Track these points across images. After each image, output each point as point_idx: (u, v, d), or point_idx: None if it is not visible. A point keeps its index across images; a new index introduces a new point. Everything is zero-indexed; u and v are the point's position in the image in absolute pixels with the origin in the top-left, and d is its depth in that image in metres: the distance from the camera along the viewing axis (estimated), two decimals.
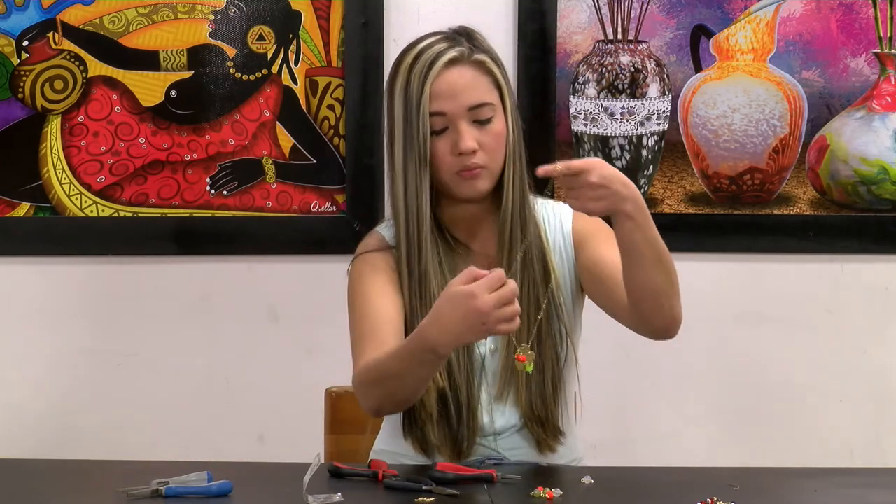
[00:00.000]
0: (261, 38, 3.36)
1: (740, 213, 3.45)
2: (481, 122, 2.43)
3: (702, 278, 3.43)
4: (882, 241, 3.47)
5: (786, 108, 3.44)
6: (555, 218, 2.54)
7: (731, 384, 3.48)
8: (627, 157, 3.42)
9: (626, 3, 3.39)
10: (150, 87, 3.35)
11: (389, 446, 2.51)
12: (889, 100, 3.44)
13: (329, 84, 3.38)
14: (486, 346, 2.47)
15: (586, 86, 3.40)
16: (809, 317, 3.48)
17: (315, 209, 3.39)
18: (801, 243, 3.46)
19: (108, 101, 3.35)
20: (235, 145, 3.37)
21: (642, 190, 3.42)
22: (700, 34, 3.41)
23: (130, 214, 3.37)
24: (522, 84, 3.36)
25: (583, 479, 2.26)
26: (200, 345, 3.40)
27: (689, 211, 3.43)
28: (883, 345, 3.49)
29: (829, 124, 3.44)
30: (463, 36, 2.47)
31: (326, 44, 3.37)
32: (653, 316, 2.36)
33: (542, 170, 2.25)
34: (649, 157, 3.42)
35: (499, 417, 2.46)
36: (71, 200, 3.36)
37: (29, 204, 3.36)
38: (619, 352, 3.44)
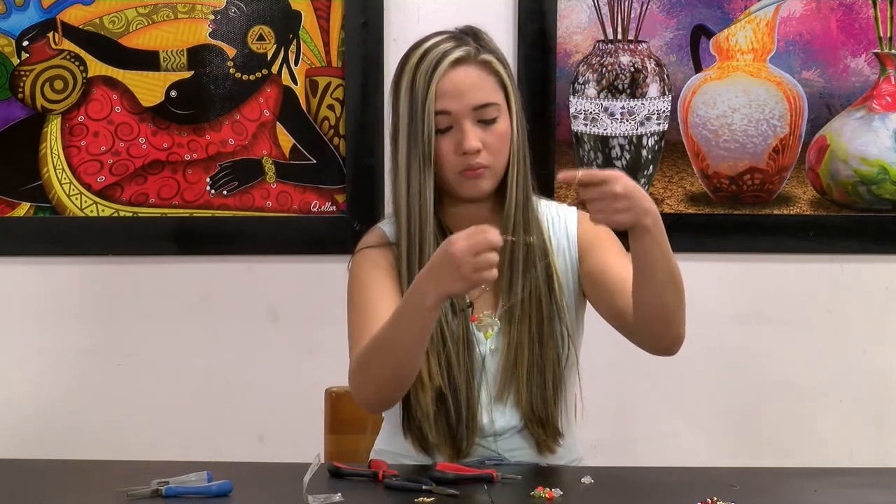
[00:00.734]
0: (261, 38, 3.36)
1: (740, 213, 3.45)
2: (486, 122, 2.43)
3: (702, 278, 3.43)
4: (882, 241, 3.47)
5: (786, 108, 3.44)
6: (559, 220, 2.54)
7: (731, 384, 3.48)
8: (627, 157, 3.42)
9: (626, 3, 3.39)
10: (150, 87, 3.35)
11: (389, 446, 2.51)
12: (889, 100, 3.44)
13: (329, 84, 3.38)
14: (486, 346, 2.47)
15: (586, 86, 3.40)
16: (809, 317, 3.48)
17: (315, 209, 3.39)
18: (801, 243, 3.46)
19: (108, 101, 3.35)
20: (235, 145, 3.37)
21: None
22: (700, 34, 3.41)
23: (130, 214, 3.37)
24: (522, 84, 3.36)
25: (583, 479, 2.26)
26: (200, 345, 3.40)
27: (689, 211, 3.43)
28: (883, 345, 3.49)
29: (829, 124, 3.44)
30: (469, 35, 2.47)
31: (326, 44, 3.37)
32: (659, 333, 2.38)
33: (563, 176, 2.25)
34: (649, 157, 3.42)
35: (499, 418, 2.46)
36: (71, 200, 3.36)
37: (29, 204, 3.36)
38: (619, 352, 3.42)
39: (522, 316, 2.43)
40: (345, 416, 2.78)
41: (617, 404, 3.45)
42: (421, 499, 2.14)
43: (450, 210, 2.50)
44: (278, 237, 3.39)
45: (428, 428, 2.42)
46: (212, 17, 3.35)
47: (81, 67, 3.34)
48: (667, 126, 3.42)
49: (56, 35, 3.33)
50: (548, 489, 2.16)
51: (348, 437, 2.74)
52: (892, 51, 3.44)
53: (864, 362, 3.49)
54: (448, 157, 2.42)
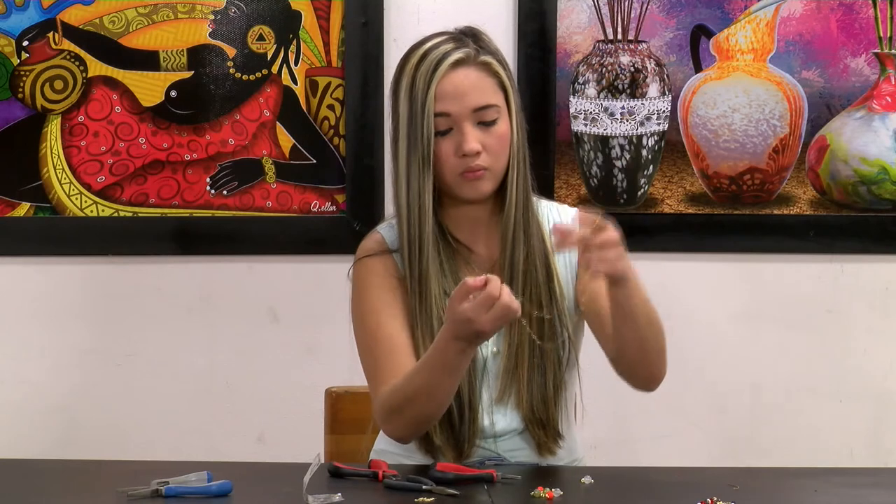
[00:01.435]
0: (261, 38, 3.36)
1: (740, 213, 3.45)
2: (486, 124, 2.43)
3: (702, 278, 3.43)
4: (882, 241, 3.47)
5: (786, 108, 3.44)
6: (560, 220, 2.54)
7: (731, 384, 3.48)
8: (627, 157, 3.42)
9: (626, 3, 3.39)
10: (150, 87, 3.35)
11: (389, 446, 2.51)
12: (889, 100, 3.44)
13: (329, 84, 3.38)
14: (488, 349, 2.47)
15: (586, 86, 3.40)
16: (809, 317, 3.48)
17: (315, 209, 3.39)
18: (801, 243, 3.46)
19: (108, 101, 3.35)
20: (235, 145, 3.37)
21: (642, 190, 3.42)
22: (700, 34, 3.41)
23: (130, 214, 3.37)
24: (522, 84, 3.36)
25: (583, 479, 2.26)
26: (200, 345, 3.40)
27: (689, 211, 3.43)
28: (883, 345, 3.49)
29: (829, 124, 3.44)
30: (469, 37, 2.46)
31: (326, 44, 3.37)
32: (640, 373, 2.43)
33: (560, 234, 2.28)
34: (649, 157, 3.42)
35: (499, 419, 2.46)
36: (71, 200, 3.36)
37: (29, 204, 3.36)
38: None
39: (522, 316, 2.42)
40: (345, 416, 2.78)
41: (617, 404, 3.45)
42: (421, 499, 2.14)
43: (449, 212, 2.50)
44: (278, 237, 3.39)
45: (432, 430, 2.42)
46: (212, 17, 3.35)
47: (81, 67, 3.34)
48: (667, 126, 3.42)
49: (56, 35, 3.33)
50: (548, 489, 2.16)
51: (348, 437, 2.74)
52: (892, 51, 3.44)
53: (864, 362, 3.49)
54: (448, 159, 2.42)
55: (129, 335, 3.40)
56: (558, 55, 3.39)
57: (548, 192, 3.31)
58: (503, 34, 3.36)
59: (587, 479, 2.26)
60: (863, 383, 3.49)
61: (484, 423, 2.45)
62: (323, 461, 2.31)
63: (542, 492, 2.16)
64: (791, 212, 3.45)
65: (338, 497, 2.10)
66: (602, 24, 3.39)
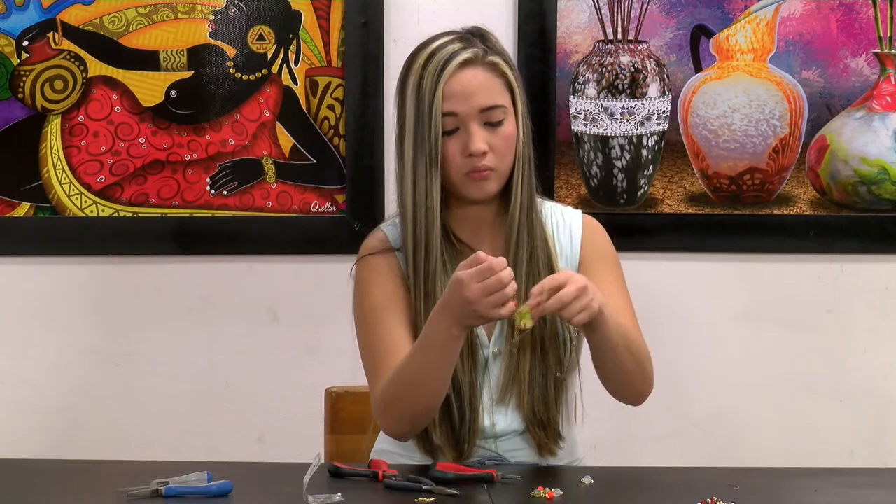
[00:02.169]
0: (261, 38, 3.36)
1: (740, 213, 3.45)
2: (492, 125, 2.43)
3: (702, 278, 3.43)
4: (882, 241, 3.47)
5: (786, 108, 3.44)
6: (564, 223, 2.54)
7: (731, 384, 3.48)
8: (627, 157, 3.42)
9: (626, 3, 3.39)
10: (150, 87, 3.35)
11: (389, 446, 2.51)
12: (889, 100, 3.44)
13: (329, 84, 3.38)
14: (489, 350, 2.47)
15: (586, 86, 3.40)
16: (809, 317, 3.48)
17: (315, 209, 3.39)
18: (801, 243, 3.46)
19: (108, 101, 3.35)
20: (235, 145, 3.37)
21: (642, 190, 3.42)
22: (700, 34, 3.41)
23: (130, 214, 3.37)
24: (522, 84, 3.36)
25: (583, 479, 2.26)
26: (200, 345, 3.40)
27: (689, 211, 3.43)
28: (883, 345, 3.49)
29: (829, 124, 3.44)
30: (477, 37, 2.46)
31: (326, 44, 3.37)
32: (624, 392, 2.47)
33: (535, 300, 2.27)
34: (649, 157, 3.42)
35: (500, 420, 2.46)
36: (71, 200, 3.36)
37: (29, 204, 3.36)
38: None
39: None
40: (345, 416, 2.78)
41: (617, 404, 3.43)
42: (421, 499, 2.14)
43: (455, 212, 2.49)
44: (278, 237, 3.39)
45: (432, 430, 2.42)
46: (212, 17, 3.35)
47: (81, 67, 3.34)
48: (667, 126, 3.42)
49: (56, 35, 3.33)
50: (548, 489, 2.16)
51: (348, 437, 2.74)
52: (892, 51, 3.44)
53: (864, 362, 3.49)
54: (454, 159, 2.42)
55: (129, 335, 3.40)
56: (558, 55, 3.39)
57: (548, 193, 3.31)
58: (503, 34, 3.36)
59: (587, 479, 2.26)
60: (863, 383, 3.49)
61: (484, 424, 2.45)
62: (323, 461, 2.31)
63: (542, 492, 2.16)
64: (791, 212, 3.45)
65: (338, 497, 2.10)
66: (602, 24, 3.39)
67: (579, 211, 2.58)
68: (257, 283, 3.40)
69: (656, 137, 3.42)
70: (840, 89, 3.43)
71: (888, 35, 3.43)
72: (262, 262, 3.40)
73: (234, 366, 3.41)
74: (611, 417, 3.42)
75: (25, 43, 3.33)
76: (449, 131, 2.41)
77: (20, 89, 3.34)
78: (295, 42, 3.37)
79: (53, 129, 3.35)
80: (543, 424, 2.45)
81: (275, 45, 3.37)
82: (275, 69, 3.37)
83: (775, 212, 3.45)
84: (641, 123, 3.41)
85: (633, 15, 3.39)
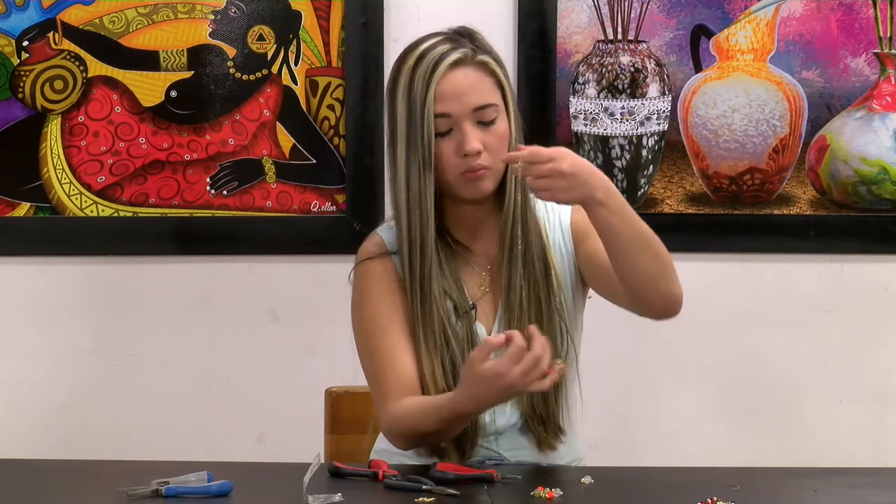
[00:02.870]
0: (261, 38, 3.36)
1: (740, 213, 3.45)
2: (485, 124, 2.43)
3: (702, 278, 3.42)
4: (882, 241, 3.47)
5: (786, 108, 3.44)
6: (553, 214, 2.54)
7: (731, 384, 3.48)
8: (627, 157, 3.42)
9: (626, 3, 3.39)
10: (150, 87, 3.35)
11: (390, 446, 2.51)
12: (889, 100, 3.44)
13: (329, 84, 3.38)
14: None
15: (586, 86, 3.40)
16: (809, 317, 3.48)
17: (315, 209, 3.39)
18: (801, 243, 3.46)
19: (108, 101, 3.35)
20: (235, 145, 3.37)
21: (642, 190, 3.42)
22: (700, 34, 3.41)
23: (130, 214, 3.37)
24: (522, 84, 3.36)
25: (583, 479, 2.26)
26: (200, 345, 3.40)
27: (689, 211, 3.43)
28: (883, 345, 3.49)
29: (829, 124, 3.44)
30: (465, 37, 2.46)
31: (326, 44, 3.37)
32: (649, 299, 2.37)
33: (507, 157, 2.31)
34: (649, 157, 3.42)
35: (499, 416, 2.46)
36: (71, 200, 3.36)
37: (29, 204, 3.36)
38: (619, 351, 3.44)
39: (521, 314, 2.42)
40: (345, 416, 2.78)
41: (617, 404, 3.45)
42: (421, 499, 2.14)
43: (449, 212, 2.50)
44: (278, 237, 3.39)
45: None
46: (212, 17, 3.35)
47: (81, 67, 3.34)
48: (667, 126, 3.42)
49: (56, 35, 3.33)
50: (548, 489, 2.16)
51: (348, 437, 2.74)
52: (892, 51, 3.44)
53: (864, 362, 3.49)
54: (449, 160, 2.42)
55: (129, 335, 3.40)
56: (558, 55, 3.39)
57: None
58: (503, 34, 3.36)
59: (587, 479, 2.26)
60: (863, 383, 3.49)
61: (485, 420, 2.45)
62: (323, 461, 2.31)
63: (542, 492, 2.16)
64: (791, 212, 3.45)
65: (338, 497, 2.10)
66: (602, 24, 3.39)
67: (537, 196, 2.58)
68: (257, 283, 3.40)
69: (656, 137, 3.42)
70: (840, 89, 3.43)
71: (888, 35, 3.43)
72: (262, 262, 3.40)
73: (234, 366, 3.41)
74: (611, 417, 3.43)
75: (25, 43, 3.33)
76: (442, 133, 2.41)
77: (20, 89, 3.34)
78: (295, 42, 3.37)
79: (53, 129, 3.35)
80: (543, 419, 2.46)
81: (275, 45, 3.37)
82: (275, 69, 3.37)
83: (775, 212, 3.45)
84: (641, 123, 3.41)
85: (633, 15, 3.39)
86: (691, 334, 3.45)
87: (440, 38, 2.46)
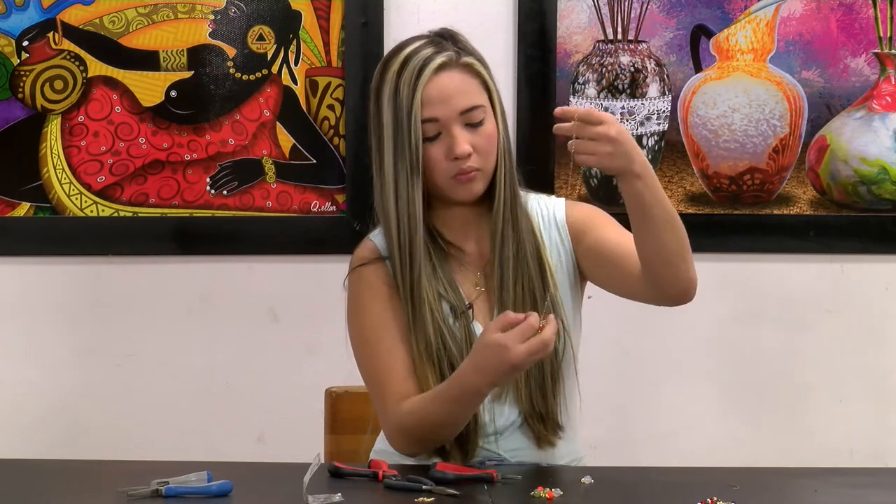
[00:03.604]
0: (261, 38, 3.36)
1: (740, 213, 3.45)
2: (473, 125, 2.42)
3: (701, 278, 3.40)
4: (882, 241, 3.47)
5: (786, 108, 3.44)
6: (547, 211, 2.54)
7: (731, 384, 3.48)
8: None
9: (626, 3, 3.39)
10: (150, 87, 3.35)
11: (390, 446, 2.51)
12: (889, 100, 3.44)
13: (329, 84, 3.38)
14: None
15: (586, 86, 3.40)
16: (809, 317, 3.48)
17: (315, 209, 3.39)
18: (801, 243, 3.46)
19: (108, 101, 3.35)
20: (235, 145, 3.38)
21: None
22: (700, 34, 3.41)
23: (130, 214, 3.37)
24: (522, 84, 3.36)
25: (583, 479, 2.26)
26: (200, 345, 3.40)
27: (689, 211, 3.43)
28: (883, 345, 3.49)
29: (829, 124, 3.44)
30: (447, 39, 2.45)
31: (326, 44, 3.37)
32: (669, 280, 2.36)
33: (560, 110, 2.25)
34: (649, 157, 3.42)
35: (499, 415, 2.46)
36: (71, 200, 3.36)
37: (29, 204, 3.36)
38: (618, 351, 3.44)
39: (517, 312, 2.42)
40: (345, 416, 2.78)
41: (617, 404, 3.45)
42: (421, 499, 2.14)
43: (439, 213, 2.49)
44: (278, 237, 3.39)
45: None
46: (212, 17, 3.35)
47: (81, 67, 3.34)
48: (667, 126, 3.42)
49: (56, 35, 3.33)
50: (548, 489, 2.16)
51: (348, 437, 2.74)
52: (892, 51, 3.44)
53: (864, 362, 3.49)
54: (439, 164, 2.41)
55: (129, 335, 3.40)
56: (558, 55, 3.39)
57: (548, 189, 3.30)
58: (503, 34, 3.36)
59: (587, 479, 2.26)
60: (863, 383, 3.49)
61: (485, 420, 2.45)
62: (323, 461, 2.31)
63: (542, 492, 2.16)
64: (791, 212, 3.45)
65: (338, 497, 2.10)
66: (602, 24, 3.39)
67: (562, 199, 2.57)
68: (257, 283, 3.40)
69: (656, 137, 3.42)
70: (840, 89, 3.43)
71: (888, 35, 3.43)
72: (262, 262, 3.40)
73: (234, 366, 3.41)
74: (611, 417, 3.43)
75: (25, 43, 3.33)
76: (430, 137, 2.41)
77: (20, 89, 3.34)
78: (295, 42, 3.37)
79: (53, 129, 3.35)
80: (542, 416, 2.46)
81: (275, 45, 3.37)
82: (275, 69, 3.37)
83: (775, 212, 3.45)
84: (641, 123, 3.41)
85: (633, 15, 3.39)
86: (691, 334, 3.45)
87: (423, 41, 2.45)
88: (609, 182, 3.42)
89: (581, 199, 3.39)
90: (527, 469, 2.38)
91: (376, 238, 2.52)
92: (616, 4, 3.39)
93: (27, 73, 3.34)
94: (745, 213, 3.45)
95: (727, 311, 3.46)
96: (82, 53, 3.34)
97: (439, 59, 2.41)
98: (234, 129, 3.37)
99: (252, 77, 3.36)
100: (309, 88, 3.38)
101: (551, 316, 2.24)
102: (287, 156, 3.38)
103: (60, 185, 3.36)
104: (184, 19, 3.35)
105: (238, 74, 3.36)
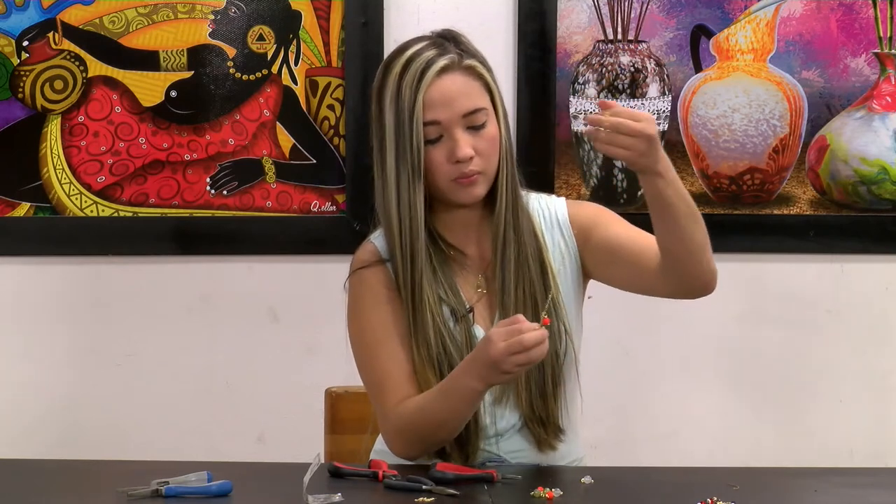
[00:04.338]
0: (261, 38, 3.36)
1: (740, 213, 3.45)
2: (475, 128, 2.42)
3: None
4: (882, 241, 3.47)
5: (786, 108, 3.44)
6: (549, 212, 2.53)
7: (731, 384, 3.48)
8: None
9: (626, 3, 3.39)
10: (150, 87, 3.35)
11: None
12: (889, 100, 3.44)
13: (329, 84, 3.38)
14: None
15: (586, 86, 3.40)
16: (809, 317, 3.48)
17: (315, 209, 3.39)
18: (801, 243, 3.46)
19: (108, 101, 3.35)
20: (235, 145, 3.38)
21: (642, 190, 3.41)
22: (700, 34, 3.41)
23: (130, 214, 3.37)
24: (522, 84, 3.36)
25: (583, 479, 2.26)
26: (200, 345, 3.40)
27: None
28: (883, 345, 3.49)
29: (829, 124, 3.44)
30: (450, 41, 2.44)
31: (326, 44, 3.37)
32: (693, 273, 2.36)
33: (602, 101, 2.27)
34: None
35: (500, 418, 2.46)
36: (71, 200, 3.36)
37: (29, 204, 3.36)
38: (618, 351, 3.44)
39: (518, 315, 2.41)
40: (345, 416, 2.78)
41: (617, 404, 3.45)
42: (421, 499, 2.14)
43: (441, 216, 2.49)
44: (278, 237, 3.39)
45: None
46: (212, 17, 3.35)
47: (81, 67, 3.34)
48: (667, 126, 3.42)
49: (56, 35, 3.33)
50: (548, 489, 2.16)
51: (348, 437, 2.74)
52: (892, 51, 3.44)
53: (864, 362, 3.49)
54: (441, 167, 2.41)
55: (129, 335, 3.40)
56: (558, 55, 3.39)
57: (548, 192, 3.30)
58: (503, 34, 3.36)
59: (587, 479, 2.26)
60: (863, 383, 3.49)
61: (485, 422, 2.45)
62: (323, 461, 2.31)
63: (542, 492, 2.16)
64: (791, 212, 3.45)
65: (338, 497, 2.10)
66: (602, 24, 3.39)
67: (563, 199, 2.57)
68: (257, 283, 3.40)
69: None
70: (840, 89, 3.43)
71: (888, 35, 3.43)
72: (262, 262, 3.40)
73: (234, 366, 3.41)
74: (611, 417, 3.43)
75: (25, 43, 3.33)
76: (432, 140, 2.40)
77: (20, 89, 3.34)
78: (295, 42, 3.37)
79: (53, 129, 3.35)
80: (542, 420, 2.45)
81: (275, 45, 3.37)
82: (275, 69, 3.37)
83: (775, 212, 3.45)
84: None
85: (633, 15, 3.39)
86: (691, 334, 3.45)
87: (425, 43, 2.44)
88: (609, 182, 3.42)
89: (581, 199, 3.39)
90: (527, 469, 2.38)
91: (377, 240, 2.51)
92: (616, 4, 3.39)
93: (27, 73, 3.34)
94: (745, 213, 3.44)
95: (727, 312, 3.46)
96: (82, 53, 3.34)
97: (441, 62, 2.40)
98: (234, 129, 3.37)
99: (252, 77, 3.36)
100: (309, 88, 3.38)
101: (543, 328, 2.24)
102: (287, 156, 3.38)
103: (60, 185, 3.36)
104: (184, 19, 3.35)
105: (238, 74, 3.36)
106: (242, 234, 3.39)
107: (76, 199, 3.36)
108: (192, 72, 3.36)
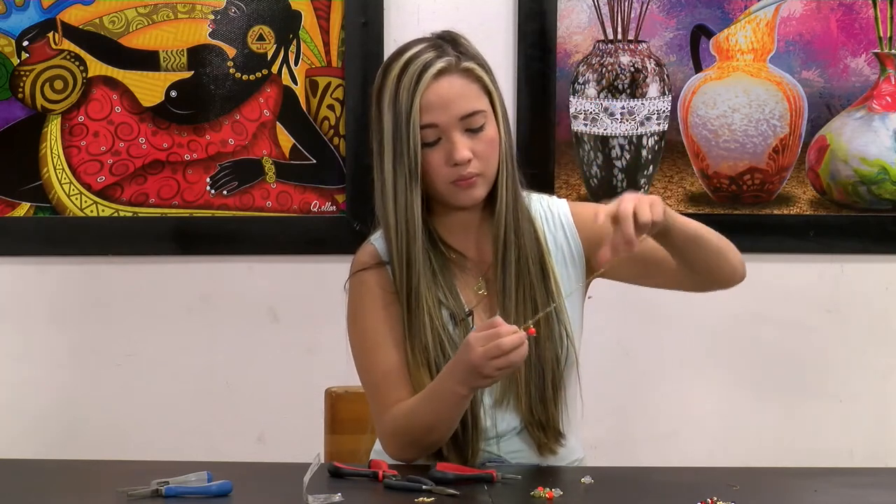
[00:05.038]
0: (261, 38, 3.36)
1: (740, 213, 3.45)
2: (473, 130, 2.41)
3: None
4: (882, 241, 3.47)
5: (786, 108, 3.44)
6: (551, 213, 2.53)
7: (731, 384, 3.48)
8: (627, 157, 3.42)
9: (626, 3, 3.39)
10: (150, 87, 3.35)
11: None
12: (889, 100, 3.44)
13: (329, 84, 3.38)
14: None
15: (586, 86, 3.40)
16: (809, 317, 3.48)
17: (315, 209, 3.39)
18: (801, 243, 3.46)
19: (108, 101, 3.35)
20: (235, 145, 3.38)
21: (642, 190, 3.42)
22: (700, 34, 3.41)
23: (130, 214, 3.37)
24: (522, 84, 3.36)
25: (583, 479, 2.26)
26: (200, 345, 3.40)
27: (689, 211, 3.43)
28: (883, 345, 3.49)
29: (829, 124, 3.44)
30: (448, 43, 2.43)
31: (326, 44, 3.37)
32: (718, 277, 2.47)
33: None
34: (649, 157, 3.42)
35: (500, 421, 2.46)
36: (71, 200, 3.36)
37: (29, 204, 3.36)
38: (618, 351, 3.44)
39: (518, 319, 2.41)
40: (345, 416, 2.78)
41: (617, 404, 3.45)
42: (421, 499, 2.14)
43: (441, 219, 2.48)
44: (278, 237, 3.39)
45: None
46: (212, 17, 3.35)
47: (81, 67, 3.34)
48: (667, 126, 3.42)
49: (56, 35, 3.33)
50: (548, 489, 2.16)
51: (348, 437, 2.74)
52: (892, 51, 3.44)
53: (864, 362, 3.49)
54: (439, 169, 2.40)
55: (129, 335, 3.40)
56: (558, 55, 3.39)
57: (548, 192, 3.30)
58: (503, 34, 3.36)
59: (587, 479, 2.26)
60: (863, 383, 3.49)
61: (486, 424, 2.45)
62: (323, 461, 2.31)
63: (542, 492, 2.16)
64: (791, 212, 3.45)
65: (338, 497, 2.10)
66: (602, 24, 3.39)
67: (564, 200, 2.56)
68: (257, 283, 3.40)
69: (656, 137, 3.42)
70: (840, 89, 3.43)
71: (888, 35, 3.43)
72: (262, 262, 3.40)
73: (234, 366, 3.41)
74: (611, 417, 3.43)
75: (25, 43, 3.33)
76: (430, 142, 2.40)
77: (20, 89, 3.34)
78: (295, 42, 3.37)
79: (53, 129, 3.35)
80: (542, 424, 2.45)
81: (275, 45, 3.37)
82: (275, 69, 3.37)
83: (775, 212, 3.45)
84: (641, 123, 3.41)
85: (633, 15, 3.39)
86: (691, 334, 3.45)
87: (424, 44, 2.43)
88: (609, 182, 3.42)
89: (581, 199, 3.39)
90: (527, 469, 2.38)
91: (377, 241, 2.51)
92: (616, 4, 3.39)
93: (27, 73, 3.34)
94: (745, 213, 3.45)
95: (727, 311, 3.46)
96: (82, 53, 3.34)
97: (439, 65, 2.39)
98: (234, 129, 3.37)
99: (252, 77, 3.37)
100: (309, 88, 3.38)
101: (521, 332, 2.24)
102: (287, 156, 3.38)
103: (60, 185, 3.36)
104: (184, 19, 3.35)
105: (238, 74, 3.36)
106: (242, 234, 3.39)
107: (76, 199, 3.36)
108: (192, 72, 3.36)
